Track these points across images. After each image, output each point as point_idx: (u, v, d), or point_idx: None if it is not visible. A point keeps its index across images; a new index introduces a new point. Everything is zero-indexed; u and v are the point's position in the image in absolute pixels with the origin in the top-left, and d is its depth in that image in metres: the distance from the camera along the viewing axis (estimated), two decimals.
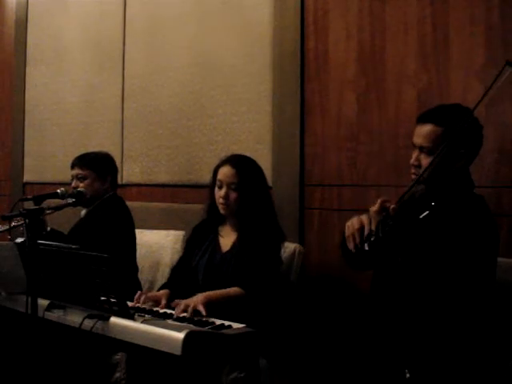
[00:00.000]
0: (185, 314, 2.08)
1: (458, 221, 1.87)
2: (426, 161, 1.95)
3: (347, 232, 1.88)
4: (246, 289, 2.23)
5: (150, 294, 2.34)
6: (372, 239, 1.77)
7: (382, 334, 1.92)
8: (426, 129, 1.95)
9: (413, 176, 1.99)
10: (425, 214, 1.84)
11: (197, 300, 2.12)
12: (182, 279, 2.49)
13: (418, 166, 1.97)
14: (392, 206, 1.81)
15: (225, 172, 2.41)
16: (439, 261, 1.80)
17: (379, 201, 1.85)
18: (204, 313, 2.05)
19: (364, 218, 1.87)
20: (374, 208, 1.84)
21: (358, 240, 1.84)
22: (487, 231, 1.89)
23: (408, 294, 1.87)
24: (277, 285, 2.37)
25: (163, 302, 2.28)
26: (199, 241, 2.53)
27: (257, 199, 2.40)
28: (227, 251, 2.42)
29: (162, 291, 2.40)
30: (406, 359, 1.84)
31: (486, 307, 1.90)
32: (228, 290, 2.24)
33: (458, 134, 1.88)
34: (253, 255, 2.32)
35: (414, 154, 1.99)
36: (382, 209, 1.83)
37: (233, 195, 2.38)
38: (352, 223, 1.88)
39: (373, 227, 1.79)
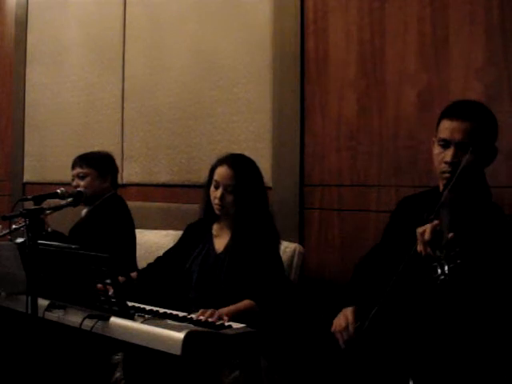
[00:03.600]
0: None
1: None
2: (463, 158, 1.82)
3: (333, 328, 1.94)
4: (258, 302, 2.21)
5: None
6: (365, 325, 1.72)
7: (387, 341, 1.88)
8: (465, 125, 1.84)
9: (446, 175, 1.85)
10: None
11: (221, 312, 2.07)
12: (160, 270, 2.52)
13: (458, 163, 1.82)
14: (450, 235, 1.60)
15: (222, 173, 2.36)
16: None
17: (430, 227, 1.63)
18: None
19: (348, 314, 1.93)
20: (426, 236, 1.63)
21: (345, 338, 1.89)
22: None
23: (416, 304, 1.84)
24: (287, 293, 2.35)
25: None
26: (193, 241, 2.50)
27: (253, 202, 2.35)
28: (221, 252, 2.40)
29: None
30: (410, 368, 1.80)
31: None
32: (242, 304, 2.20)
33: (491, 132, 1.88)
34: (256, 262, 2.28)
35: (450, 151, 1.85)
36: (435, 236, 1.62)
37: (229, 197, 2.34)
38: (339, 322, 1.94)
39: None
